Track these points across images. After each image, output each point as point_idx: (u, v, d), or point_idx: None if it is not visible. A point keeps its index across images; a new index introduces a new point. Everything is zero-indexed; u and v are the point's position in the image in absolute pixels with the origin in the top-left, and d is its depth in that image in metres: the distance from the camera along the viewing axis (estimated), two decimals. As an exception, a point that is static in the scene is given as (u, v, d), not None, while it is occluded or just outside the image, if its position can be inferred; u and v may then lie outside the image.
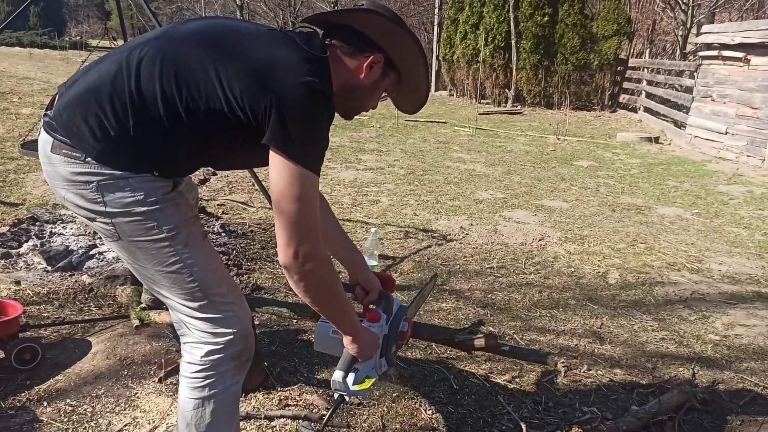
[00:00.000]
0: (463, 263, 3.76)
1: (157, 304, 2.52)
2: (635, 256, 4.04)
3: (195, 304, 1.45)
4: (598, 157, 8.39)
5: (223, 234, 3.82)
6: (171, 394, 2.14)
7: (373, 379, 1.66)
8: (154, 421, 1.97)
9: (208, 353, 1.46)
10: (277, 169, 1.32)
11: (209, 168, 5.19)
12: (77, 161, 1.34)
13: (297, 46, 1.38)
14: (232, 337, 1.47)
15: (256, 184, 5.27)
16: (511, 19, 14.48)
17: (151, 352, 2.39)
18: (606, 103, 14.37)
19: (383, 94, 1.56)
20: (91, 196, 1.36)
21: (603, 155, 8.54)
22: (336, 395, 1.64)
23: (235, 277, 3.21)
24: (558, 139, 9.78)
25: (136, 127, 1.33)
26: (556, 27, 14.31)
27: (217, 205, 4.70)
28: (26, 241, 3.29)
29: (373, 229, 3.25)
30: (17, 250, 3.19)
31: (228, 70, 1.33)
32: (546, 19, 14.22)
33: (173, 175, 1.43)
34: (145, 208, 1.36)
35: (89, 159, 1.34)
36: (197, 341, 1.48)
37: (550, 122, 11.88)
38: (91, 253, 3.18)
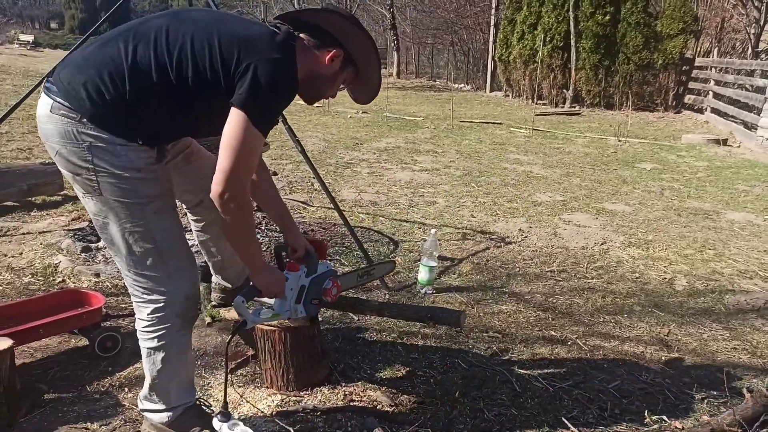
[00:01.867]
0: (523, 266, 3.73)
1: (226, 302, 2.62)
2: (703, 263, 3.90)
3: (149, 263, 1.66)
4: (661, 159, 8.11)
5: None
6: (241, 384, 2.22)
7: (281, 317, 1.96)
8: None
9: (154, 311, 1.70)
10: (233, 122, 1.53)
11: (270, 171, 5.32)
12: (73, 121, 1.53)
13: (272, 32, 1.62)
14: (175, 295, 1.70)
15: (318, 184, 5.37)
16: (571, 18, 14.17)
17: (222, 344, 2.49)
18: (670, 103, 13.84)
19: (341, 86, 1.81)
20: (82, 155, 1.55)
21: (667, 158, 8.24)
22: (240, 318, 1.90)
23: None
24: (619, 140, 9.50)
25: (132, 92, 1.53)
26: (618, 26, 13.90)
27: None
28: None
29: (432, 231, 3.27)
30: (96, 245, 3.38)
31: (213, 41, 1.55)
32: (607, 18, 13.84)
33: (156, 143, 1.65)
34: (128, 174, 1.57)
35: (84, 120, 1.53)
36: (143, 301, 1.71)
37: (610, 123, 11.55)
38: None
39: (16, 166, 4.31)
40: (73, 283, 2.99)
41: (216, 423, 1.78)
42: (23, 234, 3.62)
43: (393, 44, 24.87)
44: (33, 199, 4.25)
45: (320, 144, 7.94)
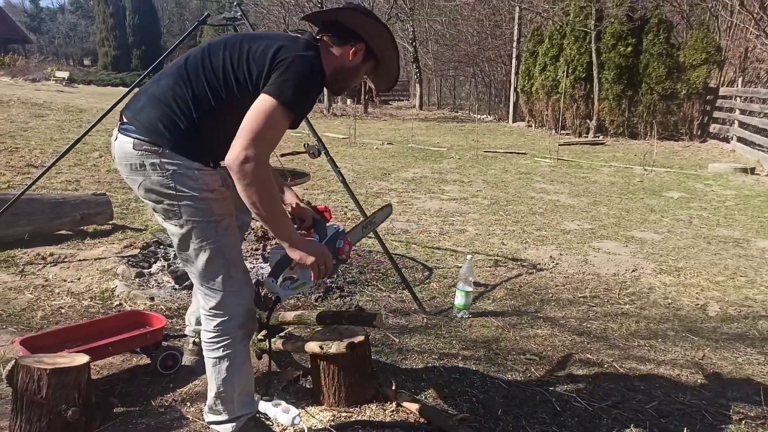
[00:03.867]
0: (555, 292, 3.82)
1: (273, 333, 2.65)
2: (736, 289, 3.94)
3: (218, 277, 1.82)
4: (689, 188, 8.14)
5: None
6: (293, 401, 2.34)
7: (306, 285, 2.03)
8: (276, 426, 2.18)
9: (220, 323, 1.86)
10: (260, 101, 1.65)
11: (303, 200, 5.49)
12: (155, 153, 1.72)
13: (296, 37, 1.81)
14: (238, 308, 1.86)
15: (350, 212, 5.55)
16: (593, 50, 14.37)
17: (269, 368, 2.62)
18: (695, 133, 13.85)
19: (364, 75, 1.96)
20: (165, 182, 1.73)
21: (694, 186, 8.27)
22: (273, 297, 2.01)
23: (338, 299, 3.44)
24: (645, 170, 9.56)
25: (199, 119, 1.73)
26: (641, 57, 14.05)
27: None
28: (155, 262, 3.68)
29: (468, 256, 3.40)
30: (149, 270, 3.57)
31: (248, 53, 1.73)
32: (629, 49, 14.01)
33: (221, 159, 1.75)
34: (204, 195, 1.76)
35: (166, 150, 1.71)
36: (211, 315, 1.86)
37: (635, 153, 11.60)
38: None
39: (70, 196, 4.57)
40: (129, 306, 3.17)
41: (261, 404, 1.97)
42: (80, 260, 3.84)
43: (416, 76, 25.33)
44: (85, 228, 4.48)
45: (349, 174, 8.15)
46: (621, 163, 10.48)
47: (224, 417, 1.96)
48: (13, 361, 2.15)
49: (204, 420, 2.03)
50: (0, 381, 2.32)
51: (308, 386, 2.43)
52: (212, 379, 1.94)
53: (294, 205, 2.11)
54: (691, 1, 15.84)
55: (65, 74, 28.95)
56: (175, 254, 3.81)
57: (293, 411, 2.05)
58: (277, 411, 2.05)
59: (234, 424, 1.97)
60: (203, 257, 1.82)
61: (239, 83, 1.73)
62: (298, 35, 1.84)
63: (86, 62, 49.05)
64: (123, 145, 1.77)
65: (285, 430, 2.10)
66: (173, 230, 1.82)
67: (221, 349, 1.90)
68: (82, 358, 2.06)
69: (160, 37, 46.89)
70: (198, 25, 3.40)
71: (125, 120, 1.80)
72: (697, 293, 3.86)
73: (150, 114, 1.75)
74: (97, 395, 2.19)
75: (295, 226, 2.04)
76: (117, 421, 2.15)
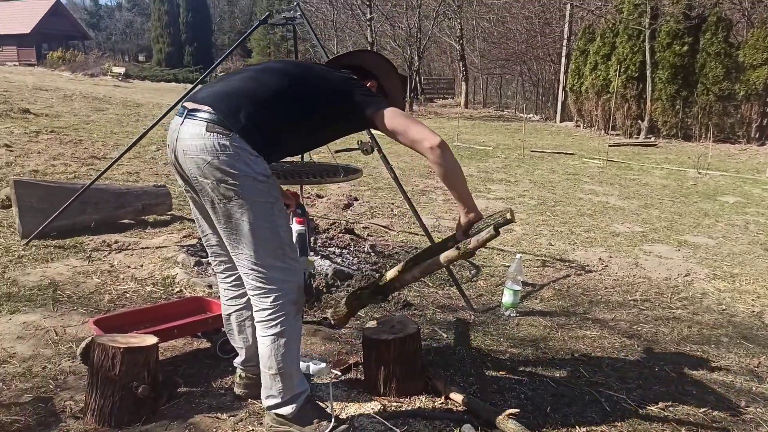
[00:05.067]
0: (605, 294, 3.79)
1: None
2: (795, 298, 3.82)
3: (275, 255, 1.95)
4: (745, 192, 7.87)
5: (372, 254, 4.16)
6: (346, 389, 2.43)
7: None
8: (333, 410, 2.27)
9: (276, 298, 1.96)
10: (389, 115, 1.98)
11: (352, 196, 5.63)
12: (226, 136, 1.86)
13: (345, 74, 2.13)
14: (292, 284, 1.99)
15: (396, 209, 5.61)
16: (647, 49, 14.01)
17: (325, 352, 2.72)
18: (753, 135, 13.36)
19: None
20: (232, 162, 1.85)
21: (751, 191, 8.00)
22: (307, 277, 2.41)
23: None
24: (699, 173, 9.29)
25: (275, 120, 1.95)
26: (697, 56, 13.63)
27: (362, 227, 5.09)
28: (212, 252, 3.83)
29: (518, 256, 3.41)
30: (206, 259, 3.72)
31: (328, 87, 2.04)
32: (685, 48, 13.61)
33: (278, 158, 2.08)
34: (264, 178, 1.90)
35: (236, 135, 1.86)
36: (266, 290, 1.96)
37: (688, 155, 11.28)
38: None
39: (133, 187, 4.80)
40: (189, 292, 3.33)
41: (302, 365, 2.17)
42: (142, 248, 4.04)
43: (461, 74, 25.21)
44: (146, 217, 4.70)
45: (395, 172, 8.22)
46: (673, 165, 10.21)
47: (284, 397, 2.04)
48: (88, 339, 2.31)
49: (263, 405, 2.11)
50: (75, 358, 2.49)
51: (360, 377, 2.51)
52: (270, 357, 2.00)
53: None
54: (753, -2, 15.23)
55: (121, 70, 30.03)
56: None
57: (323, 364, 2.33)
58: (309, 366, 2.25)
59: (294, 404, 2.04)
60: (261, 236, 1.92)
61: (318, 107, 2.00)
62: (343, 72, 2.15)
63: (141, 58, 50.69)
64: (194, 127, 1.87)
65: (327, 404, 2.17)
66: (230, 211, 1.90)
67: (278, 325, 1.97)
68: (151, 339, 2.20)
69: (211, 34, 48.08)
70: (260, 23, 3.53)
71: (193, 107, 1.91)
72: (752, 300, 3.76)
73: (230, 102, 1.90)
74: (162, 375, 2.33)
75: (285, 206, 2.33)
76: (181, 400, 2.28)
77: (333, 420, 2.06)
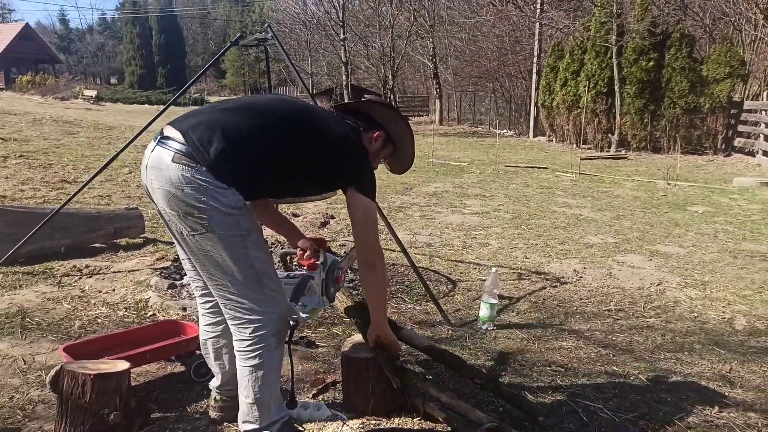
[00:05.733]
0: (580, 305, 3.83)
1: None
2: (763, 303, 3.91)
3: (250, 287, 1.91)
4: (713, 202, 8.07)
5: (349, 271, 4.14)
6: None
7: (317, 310, 2.28)
8: (312, 429, 2.24)
9: (255, 330, 1.94)
10: (363, 203, 2.01)
11: (328, 214, 5.62)
12: (193, 168, 1.81)
13: (351, 127, 2.08)
14: (272, 315, 1.95)
15: (387, 228, 5.61)
16: (614, 65, 14.37)
17: (302, 372, 2.69)
18: (719, 147, 13.72)
19: (382, 159, 2.24)
20: (197, 196, 1.81)
21: (719, 201, 8.20)
22: (291, 321, 2.17)
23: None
24: (668, 184, 9.49)
25: (251, 160, 1.88)
26: (663, 71, 14.01)
27: (339, 245, 5.08)
28: (185, 274, 3.78)
29: (493, 269, 3.44)
30: (180, 282, 3.67)
31: (327, 139, 1.97)
32: (651, 63, 13.98)
33: (249, 197, 1.93)
34: (234, 211, 1.85)
35: (204, 168, 1.81)
36: (245, 322, 1.94)
37: (658, 167, 11.53)
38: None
39: (104, 211, 4.72)
40: (163, 316, 3.27)
41: (293, 412, 2.11)
42: (114, 272, 3.97)
43: (435, 92, 25.50)
44: (118, 241, 4.63)
45: (372, 189, 8.25)
46: (644, 177, 10.42)
47: (261, 424, 2.02)
48: (57, 367, 2.26)
49: (239, 429, 2.08)
50: (45, 386, 2.42)
51: (338, 396, 2.49)
52: (248, 386, 1.99)
53: (299, 241, 2.34)
54: (713, 15, 15.77)
55: (93, 93, 29.75)
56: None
57: (324, 407, 2.19)
58: (311, 412, 2.12)
59: (270, 431, 2.02)
60: (234, 268, 1.87)
61: (305, 156, 1.96)
62: (349, 122, 2.10)
63: (113, 81, 50.33)
64: (161, 156, 1.84)
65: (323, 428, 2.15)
66: (199, 244, 1.87)
67: (257, 357, 1.95)
68: (123, 364, 2.15)
69: (184, 55, 47.97)
70: (230, 45, 3.54)
71: (167, 135, 1.88)
72: (723, 307, 3.84)
73: (203, 134, 1.84)
74: (135, 400, 2.28)
75: (298, 255, 2.33)
76: (154, 426, 2.23)
77: None
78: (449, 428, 2.25)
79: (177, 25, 47.84)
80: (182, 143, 1.83)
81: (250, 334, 1.95)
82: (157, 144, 1.88)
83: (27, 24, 43.28)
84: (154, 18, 45.25)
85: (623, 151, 14.44)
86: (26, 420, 2.25)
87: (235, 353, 2.01)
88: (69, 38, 57.83)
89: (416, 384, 2.35)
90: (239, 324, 1.96)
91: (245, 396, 2.01)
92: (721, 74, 13.40)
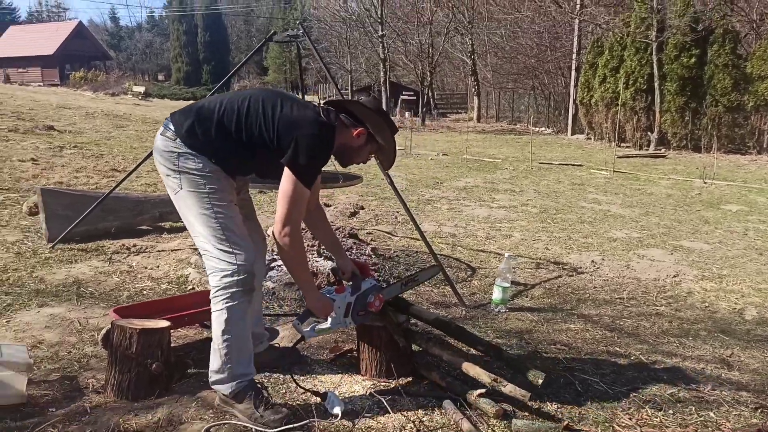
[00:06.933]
0: (593, 293, 3.98)
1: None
2: (778, 297, 3.98)
3: (216, 239, 2.18)
4: (750, 201, 7.99)
5: (374, 257, 4.40)
6: (340, 372, 2.66)
7: (332, 329, 2.44)
8: (329, 387, 2.50)
9: (221, 278, 2.19)
10: (285, 178, 2.18)
11: (358, 205, 5.84)
12: (171, 140, 2.23)
13: (317, 114, 2.25)
14: (237, 267, 2.17)
15: (400, 217, 5.85)
16: (654, 61, 14.18)
17: (323, 340, 2.96)
18: (764, 146, 13.40)
19: (370, 154, 2.44)
20: (173, 161, 2.21)
21: (756, 200, 8.11)
22: (298, 335, 2.43)
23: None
24: (705, 182, 9.40)
25: (218, 139, 2.21)
26: (705, 68, 13.76)
27: (366, 233, 5.34)
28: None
29: (506, 254, 3.63)
30: (217, 260, 3.99)
31: (275, 118, 2.20)
32: (693, 60, 13.76)
33: (225, 166, 2.23)
34: (201, 173, 2.20)
35: (178, 140, 2.22)
36: (214, 271, 2.20)
37: (696, 166, 11.38)
38: (272, 265, 3.89)
39: (151, 196, 5.11)
40: (201, 289, 3.59)
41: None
42: (158, 251, 4.34)
43: (473, 89, 25.51)
44: (163, 224, 5.00)
45: (402, 183, 8.48)
46: (681, 176, 10.33)
47: (221, 374, 2.24)
48: (108, 325, 2.58)
49: (209, 380, 2.30)
50: (97, 344, 2.76)
51: (354, 362, 2.74)
52: (216, 333, 2.22)
53: (341, 262, 2.55)
54: (761, 10, 15.35)
55: (141, 89, 30.89)
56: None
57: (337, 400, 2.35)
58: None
59: (232, 383, 2.24)
60: (201, 221, 2.20)
61: (262, 135, 2.21)
62: (325, 111, 2.29)
63: (160, 77, 51.86)
64: (158, 134, 2.32)
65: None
66: (177, 201, 2.27)
67: (222, 303, 2.20)
68: (164, 323, 2.46)
69: (229, 53, 49.09)
70: (264, 42, 3.82)
71: (167, 118, 2.32)
72: (736, 299, 3.92)
73: (182, 117, 2.27)
74: (175, 357, 2.58)
75: (338, 277, 2.55)
76: (191, 379, 2.53)
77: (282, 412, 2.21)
78: (448, 391, 2.47)
79: (222, 23, 48.99)
80: (168, 121, 2.30)
81: (216, 282, 2.20)
82: (163, 126, 2.34)
83: (80, 22, 45.21)
84: (199, 16, 46.50)
85: (663, 150, 14.25)
86: (81, 370, 2.58)
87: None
88: (119, 36, 59.91)
89: (419, 343, 2.59)
90: (210, 273, 2.23)
91: (214, 343, 2.24)
92: (766, 71, 13.08)
